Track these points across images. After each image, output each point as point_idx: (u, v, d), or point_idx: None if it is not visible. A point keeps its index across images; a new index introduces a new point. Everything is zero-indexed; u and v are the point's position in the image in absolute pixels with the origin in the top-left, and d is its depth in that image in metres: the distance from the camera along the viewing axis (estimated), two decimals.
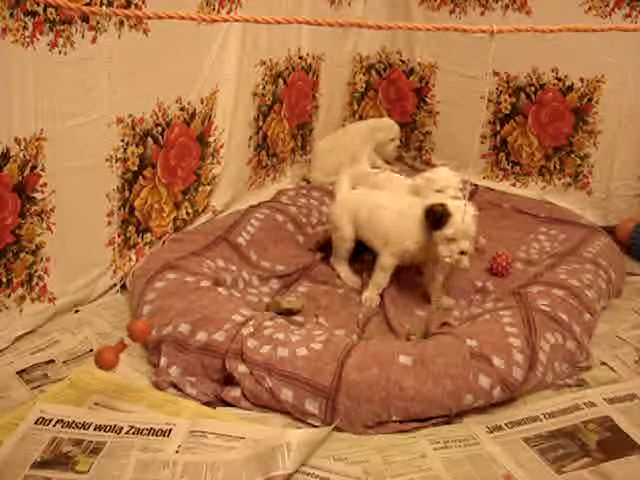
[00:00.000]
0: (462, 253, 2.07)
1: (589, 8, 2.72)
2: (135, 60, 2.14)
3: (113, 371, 1.66)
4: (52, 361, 1.91)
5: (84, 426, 1.63)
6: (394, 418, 1.69)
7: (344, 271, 2.37)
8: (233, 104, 2.62)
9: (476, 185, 3.02)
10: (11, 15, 1.76)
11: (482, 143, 3.08)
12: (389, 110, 3.35)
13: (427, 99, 3.23)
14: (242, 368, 1.78)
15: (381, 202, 2.29)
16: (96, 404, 1.71)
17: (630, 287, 2.41)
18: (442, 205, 2.08)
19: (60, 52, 1.91)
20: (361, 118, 3.39)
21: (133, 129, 2.22)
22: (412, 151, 3.33)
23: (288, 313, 2.09)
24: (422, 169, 3.20)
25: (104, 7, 1.95)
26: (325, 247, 2.52)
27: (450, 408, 1.71)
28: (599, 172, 2.85)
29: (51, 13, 1.87)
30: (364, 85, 3.37)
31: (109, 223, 2.21)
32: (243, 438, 1.61)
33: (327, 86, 3.17)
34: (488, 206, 2.81)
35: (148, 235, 2.39)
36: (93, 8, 1.82)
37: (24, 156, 1.88)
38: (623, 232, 2.68)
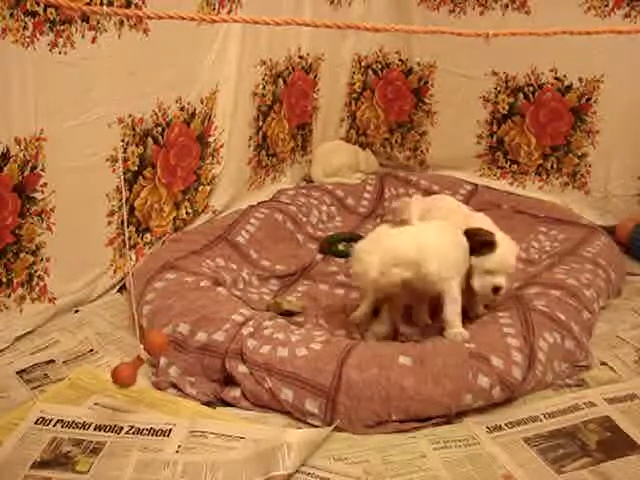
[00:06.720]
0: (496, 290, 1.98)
1: (588, 8, 2.71)
2: (135, 60, 2.14)
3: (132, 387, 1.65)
4: (52, 361, 1.91)
5: (84, 426, 1.63)
6: (394, 418, 1.69)
7: None
8: (233, 104, 2.62)
9: (476, 185, 3.02)
10: (11, 15, 1.77)
11: (478, 143, 3.08)
12: (385, 110, 3.35)
13: (425, 99, 3.23)
14: (242, 368, 1.78)
15: None
16: (96, 404, 1.71)
17: (630, 287, 2.40)
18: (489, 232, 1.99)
19: (60, 52, 1.92)
20: (355, 119, 3.39)
21: (133, 129, 2.22)
22: (407, 151, 3.33)
23: (288, 314, 2.10)
24: (416, 169, 3.23)
25: (104, 7, 1.95)
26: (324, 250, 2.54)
27: (450, 408, 1.71)
28: (597, 172, 2.85)
29: (51, 13, 1.87)
30: (361, 85, 3.36)
31: (109, 223, 2.22)
32: (243, 438, 1.61)
33: (327, 86, 3.17)
34: (487, 206, 2.80)
35: (148, 235, 2.39)
36: (93, 8, 1.82)
37: (24, 156, 1.89)
38: (623, 232, 2.68)
